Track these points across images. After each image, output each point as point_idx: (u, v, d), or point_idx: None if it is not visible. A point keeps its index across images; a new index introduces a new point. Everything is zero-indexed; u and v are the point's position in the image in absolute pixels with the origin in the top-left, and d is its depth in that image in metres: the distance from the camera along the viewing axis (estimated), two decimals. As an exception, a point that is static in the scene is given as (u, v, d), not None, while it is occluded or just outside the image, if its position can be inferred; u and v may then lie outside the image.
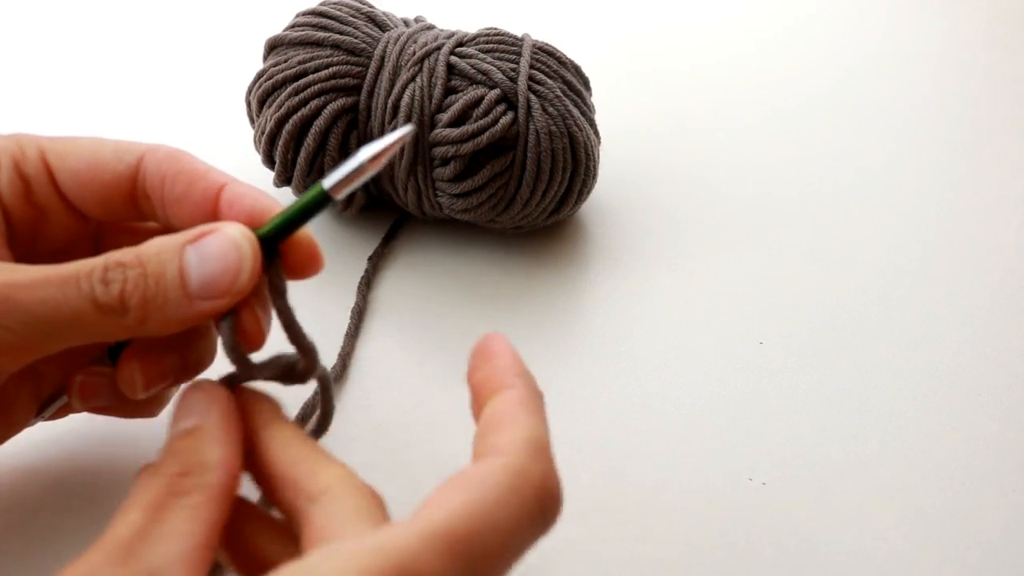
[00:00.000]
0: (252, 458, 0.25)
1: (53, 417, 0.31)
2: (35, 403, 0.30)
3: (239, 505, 0.25)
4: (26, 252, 0.28)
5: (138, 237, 0.27)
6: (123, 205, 0.29)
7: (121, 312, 0.25)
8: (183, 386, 0.26)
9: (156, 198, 0.28)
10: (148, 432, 0.32)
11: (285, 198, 0.44)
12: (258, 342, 0.27)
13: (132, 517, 0.22)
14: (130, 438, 0.33)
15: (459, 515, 0.20)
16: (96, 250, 0.28)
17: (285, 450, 0.25)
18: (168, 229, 0.28)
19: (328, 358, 0.34)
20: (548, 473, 0.22)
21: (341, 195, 0.26)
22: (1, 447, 0.29)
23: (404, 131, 0.26)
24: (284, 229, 0.27)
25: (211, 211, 0.28)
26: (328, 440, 0.34)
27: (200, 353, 0.29)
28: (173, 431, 0.25)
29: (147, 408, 0.31)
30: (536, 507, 0.22)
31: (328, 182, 0.26)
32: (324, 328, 0.32)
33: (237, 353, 0.26)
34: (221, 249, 0.25)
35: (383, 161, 0.26)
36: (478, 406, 0.25)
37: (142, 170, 0.28)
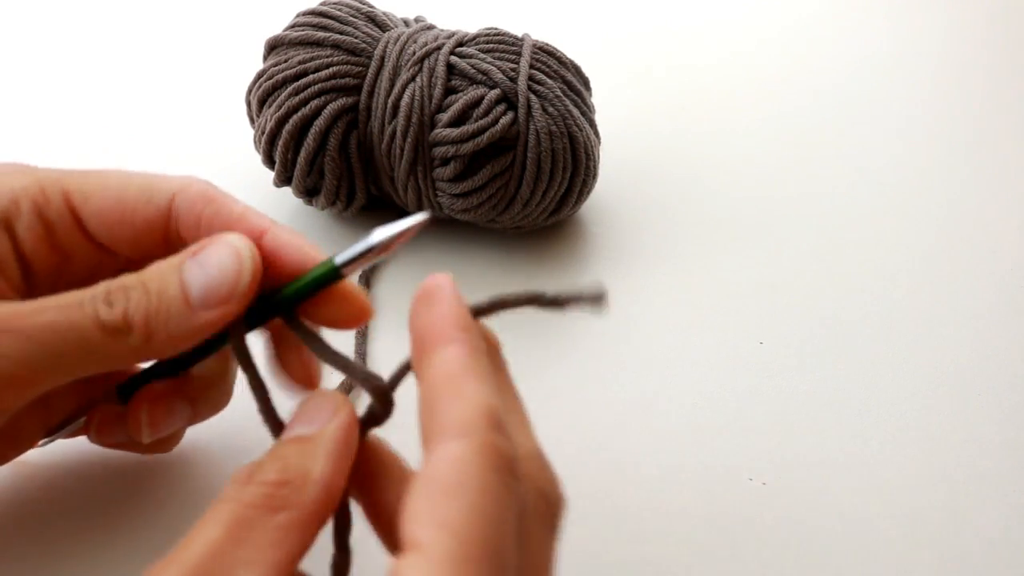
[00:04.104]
0: (360, 487, 0.24)
1: (64, 436, 0.30)
2: (43, 429, 0.29)
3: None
4: (48, 291, 0.26)
5: None
6: (156, 246, 0.28)
7: (126, 330, 0.24)
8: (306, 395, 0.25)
9: (192, 240, 0.27)
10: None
11: (285, 197, 0.44)
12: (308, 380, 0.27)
13: (212, 534, 0.21)
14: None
15: (465, 530, 0.20)
16: None
17: (393, 490, 0.24)
18: None
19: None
20: (507, 443, 0.22)
21: (351, 273, 0.26)
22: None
23: (420, 218, 0.25)
24: (293, 300, 0.26)
25: None
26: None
27: (212, 400, 0.29)
28: (284, 435, 0.24)
29: (161, 445, 0.31)
30: (512, 478, 0.21)
31: (340, 258, 0.26)
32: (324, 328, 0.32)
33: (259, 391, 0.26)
34: (220, 256, 0.25)
35: (396, 247, 0.25)
36: (418, 357, 0.23)
37: (174, 211, 0.27)
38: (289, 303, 0.26)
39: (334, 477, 0.23)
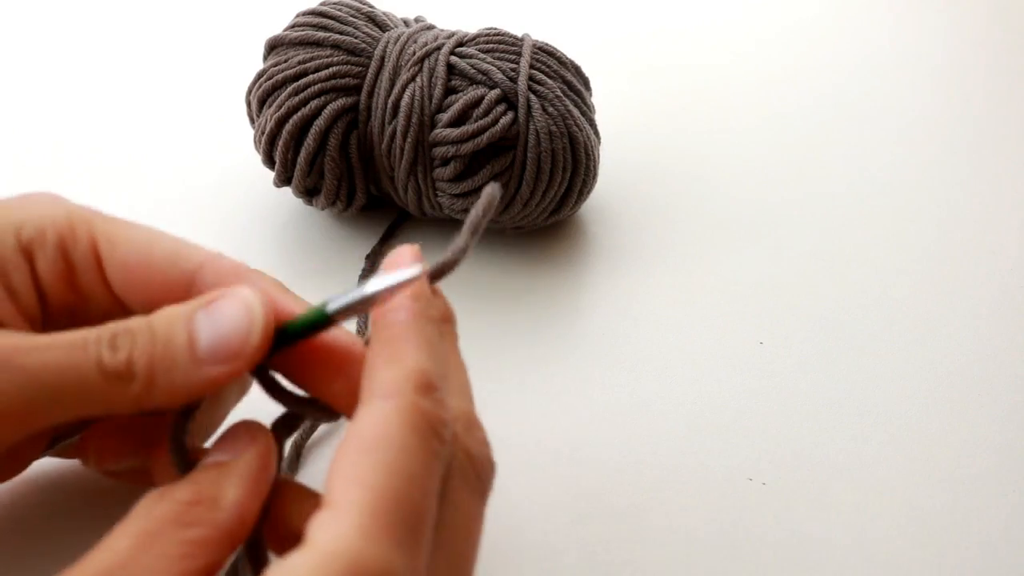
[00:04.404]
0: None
1: (64, 456, 0.30)
2: (41, 450, 0.29)
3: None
4: (62, 325, 0.26)
5: None
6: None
7: (127, 378, 0.23)
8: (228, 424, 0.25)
9: None
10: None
11: (285, 197, 0.44)
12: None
13: (119, 544, 0.21)
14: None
15: (379, 486, 0.20)
16: None
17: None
18: None
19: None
20: (436, 406, 0.22)
21: (342, 321, 0.25)
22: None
23: (414, 272, 0.24)
24: (280, 342, 0.25)
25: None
26: (328, 440, 0.34)
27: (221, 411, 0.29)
28: (202, 462, 0.24)
29: (162, 479, 0.30)
30: (436, 440, 0.22)
31: (332, 307, 0.25)
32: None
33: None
34: (231, 311, 0.24)
35: (389, 299, 0.24)
36: (375, 322, 0.24)
37: (200, 281, 0.26)
38: (277, 344, 0.25)
39: (247, 502, 0.23)
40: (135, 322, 0.24)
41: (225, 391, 0.29)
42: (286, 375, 0.26)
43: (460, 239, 0.25)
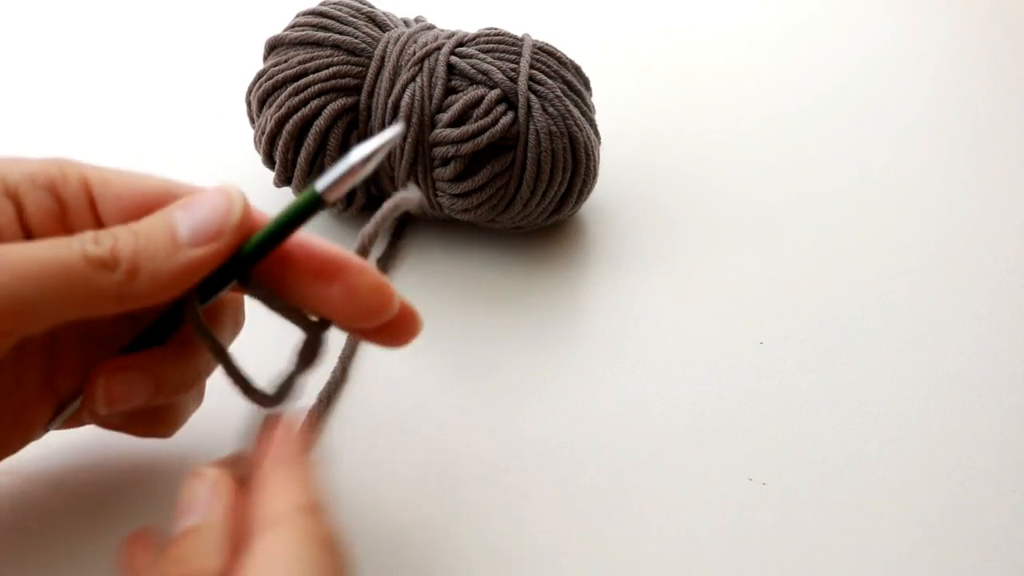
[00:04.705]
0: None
1: (67, 426, 0.30)
2: (47, 415, 0.29)
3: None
4: None
5: None
6: None
7: (112, 264, 0.24)
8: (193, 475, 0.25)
9: None
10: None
11: (285, 197, 0.44)
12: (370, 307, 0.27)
13: None
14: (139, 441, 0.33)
15: None
16: None
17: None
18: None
19: (329, 360, 0.34)
20: (327, 529, 0.24)
21: (334, 197, 0.26)
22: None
23: (394, 131, 0.25)
24: (278, 233, 0.26)
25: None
26: (328, 440, 0.34)
27: (179, 377, 0.29)
28: (177, 526, 0.24)
29: (160, 428, 0.30)
30: (332, 557, 0.23)
31: (320, 184, 0.25)
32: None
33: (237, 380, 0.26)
34: (207, 196, 0.26)
35: (374, 162, 0.25)
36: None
37: None
38: (274, 236, 0.26)
39: (230, 562, 0.23)
40: (117, 228, 0.25)
41: (221, 315, 0.29)
42: (280, 287, 0.27)
43: (369, 227, 0.27)
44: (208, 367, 0.30)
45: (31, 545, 0.30)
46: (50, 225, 0.26)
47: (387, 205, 0.27)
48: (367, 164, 0.25)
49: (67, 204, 0.26)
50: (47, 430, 0.29)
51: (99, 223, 0.27)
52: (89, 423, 0.30)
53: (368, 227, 0.27)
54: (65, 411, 0.29)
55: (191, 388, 0.30)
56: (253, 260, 0.27)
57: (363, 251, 0.27)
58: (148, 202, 0.26)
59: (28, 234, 0.26)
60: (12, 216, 0.25)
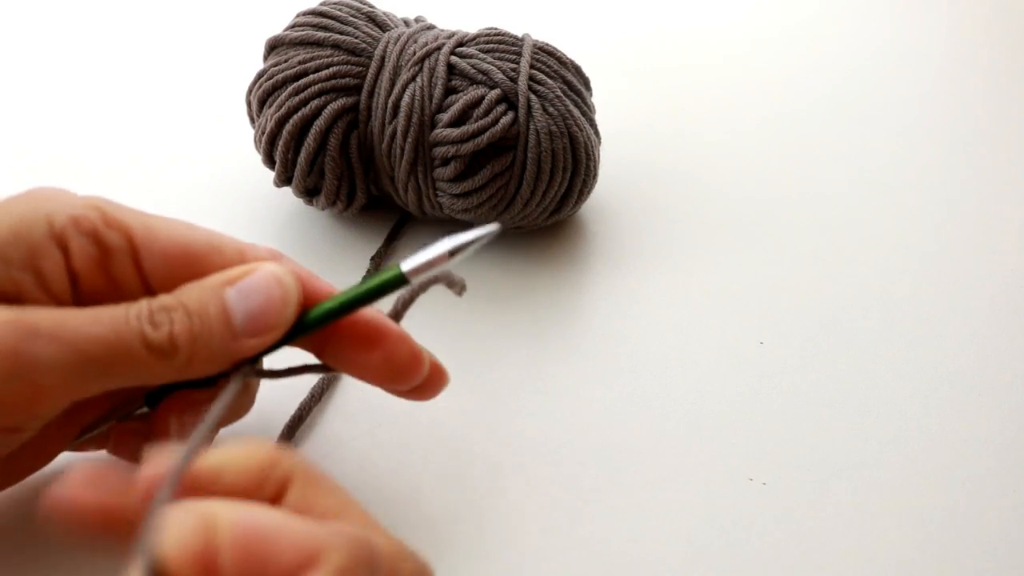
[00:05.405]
0: None
1: (81, 449, 0.30)
2: (66, 441, 0.29)
3: None
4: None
5: None
6: None
7: (171, 353, 0.25)
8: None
9: None
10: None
11: (285, 197, 0.44)
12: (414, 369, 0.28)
13: None
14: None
15: None
16: None
17: None
18: None
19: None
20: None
21: (417, 280, 0.26)
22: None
23: (490, 228, 0.26)
24: (351, 305, 0.27)
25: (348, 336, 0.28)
26: (329, 440, 0.34)
27: (238, 404, 0.29)
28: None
29: None
30: None
31: (407, 265, 0.26)
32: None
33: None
34: (262, 284, 0.25)
35: (461, 256, 0.26)
36: None
37: None
38: (349, 305, 0.27)
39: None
40: (166, 299, 0.25)
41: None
42: (319, 349, 0.28)
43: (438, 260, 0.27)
44: (257, 385, 0.31)
45: (31, 545, 0.30)
46: (94, 272, 0.26)
47: (415, 283, 0.27)
48: (454, 256, 0.26)
49: (110, 251, 0.26)
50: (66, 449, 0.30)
51: (138, 271, 0.26)
52: (104, 449, 0.30)
53: (404, 292, 0.28)
54: (91, 434, 0.29)
55: (244, 415, 0.31)
56: (316, 327, 0.27)
57: (396, 316, 0.28)
58: (192, 256, 0.26)
59: (72, 278, 0.26)
60: (60, 264, 0.25)
